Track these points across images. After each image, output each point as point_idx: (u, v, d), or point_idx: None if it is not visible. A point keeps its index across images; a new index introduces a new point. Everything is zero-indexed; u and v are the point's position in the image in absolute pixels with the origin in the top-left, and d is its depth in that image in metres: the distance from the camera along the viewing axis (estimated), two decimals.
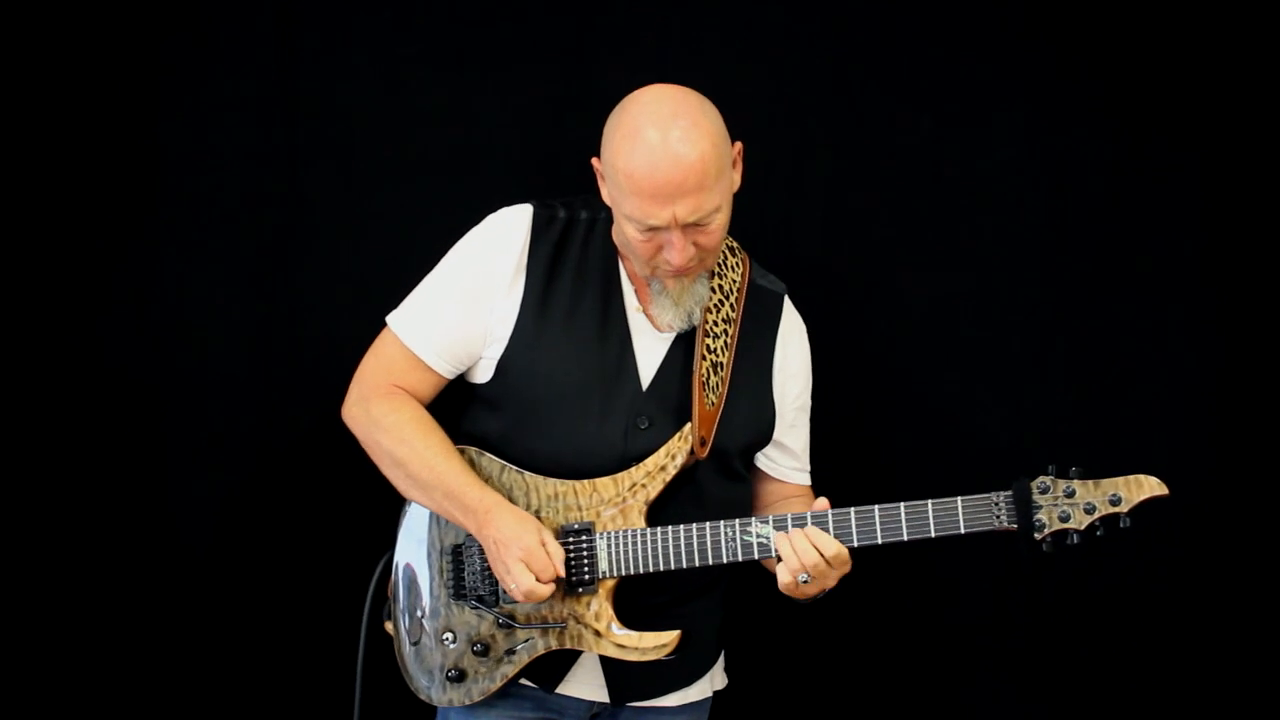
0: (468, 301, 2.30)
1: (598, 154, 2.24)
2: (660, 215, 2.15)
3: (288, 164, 2.75)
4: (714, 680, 2.49)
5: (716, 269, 2.36)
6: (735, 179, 2.25)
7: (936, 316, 2.83)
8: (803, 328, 2.47)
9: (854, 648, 2.90)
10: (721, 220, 2.21)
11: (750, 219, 2.47)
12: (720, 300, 2.35)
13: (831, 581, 2.22)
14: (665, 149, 2.12)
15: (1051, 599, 2.86)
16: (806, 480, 2.50)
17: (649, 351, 2.32)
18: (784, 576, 2.21)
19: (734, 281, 2.38)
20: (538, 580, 2.20)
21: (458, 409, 2.40)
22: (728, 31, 2.79)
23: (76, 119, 2.67)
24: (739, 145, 2.25)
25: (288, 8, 2.73)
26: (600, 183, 2.27)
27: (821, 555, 2.18)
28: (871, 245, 2.84)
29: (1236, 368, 2.79)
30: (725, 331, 2.34)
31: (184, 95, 2.71)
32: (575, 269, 2.31)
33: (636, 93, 2.21)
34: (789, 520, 2.21)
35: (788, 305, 2.45)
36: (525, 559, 2.20)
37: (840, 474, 2.51)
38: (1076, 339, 2.82)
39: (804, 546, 2.18)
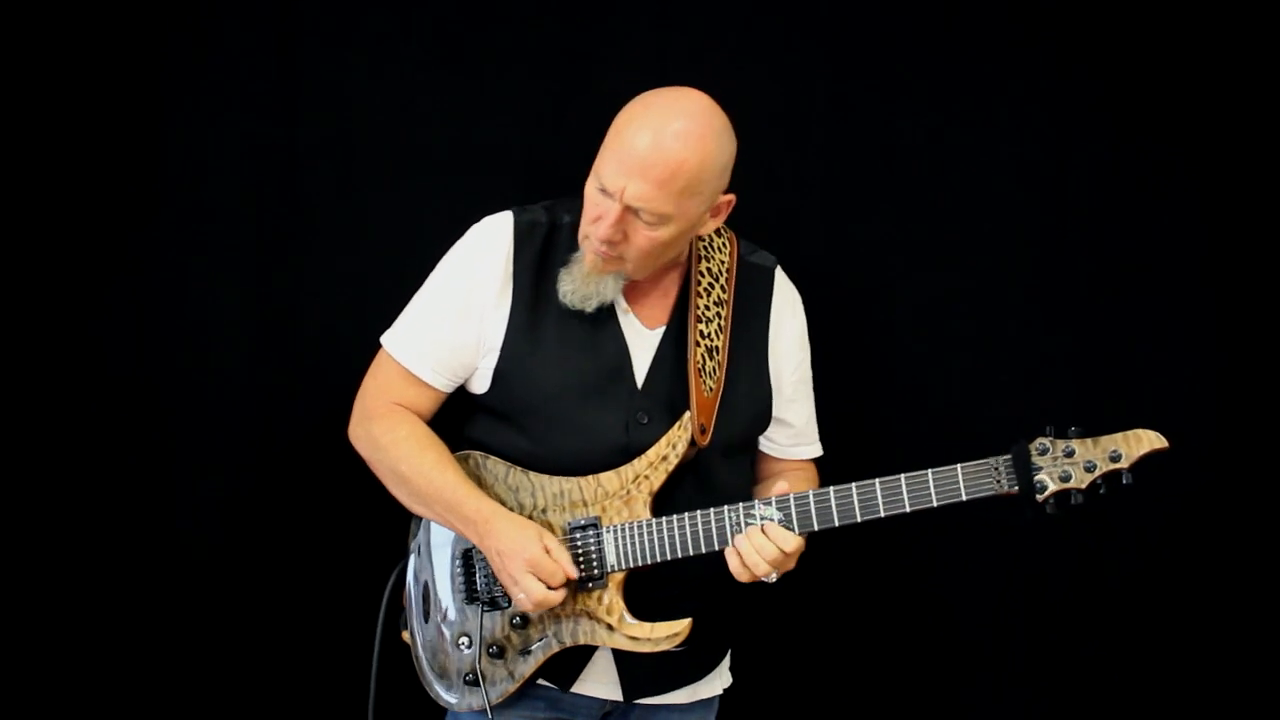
0: (458, 315, 2.30)
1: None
2: (613, 181, 2.14)
3: (288, 164, 2.75)
4: (722, 677, 2.49)
5: (703, 252, 2.35)
6: (707, 222, 2.25)
7: (936, 317, 2.83)
8: (797, 299, 2.45)
9: (856, 647, 2.89)
10: (661, 235, 2.19)
11: (750, 219, 2.46)
12: (710, 284, 2.33)
13: (790, 565, 2.22)
14: (657, 130, 2.13)
15: (1053, 600, 2.86)
16: (810, 453, 2.50)
17: (641, 348, 2.31)
18: (743, 574, 2.20)
19: (722, 263, 2.37)
20: (548, 587, 2.20)
21: (461, 416, 2.40)
22: (728, 31, 2.79)
23: (77, 119, 2.66)
24: (730, 198, 2.25)
25: (288, 8, 2.73)
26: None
27: (782, 551, 2.17)
28: (871, 245, 2.83)
29: (1236, 368, 2.79)
30: (718, 315, 2.33)
31: (184, 95, 2.70)
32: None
33: (684, 88, 2.22)
34: (792, 500, 2.20)
35: (779, 278, 2.43)
36: (532, 569, 2.20)
37: (840, 474, 2.49)
38: (1076, 339, 2.81)
39: (762, 543, 2.17)
